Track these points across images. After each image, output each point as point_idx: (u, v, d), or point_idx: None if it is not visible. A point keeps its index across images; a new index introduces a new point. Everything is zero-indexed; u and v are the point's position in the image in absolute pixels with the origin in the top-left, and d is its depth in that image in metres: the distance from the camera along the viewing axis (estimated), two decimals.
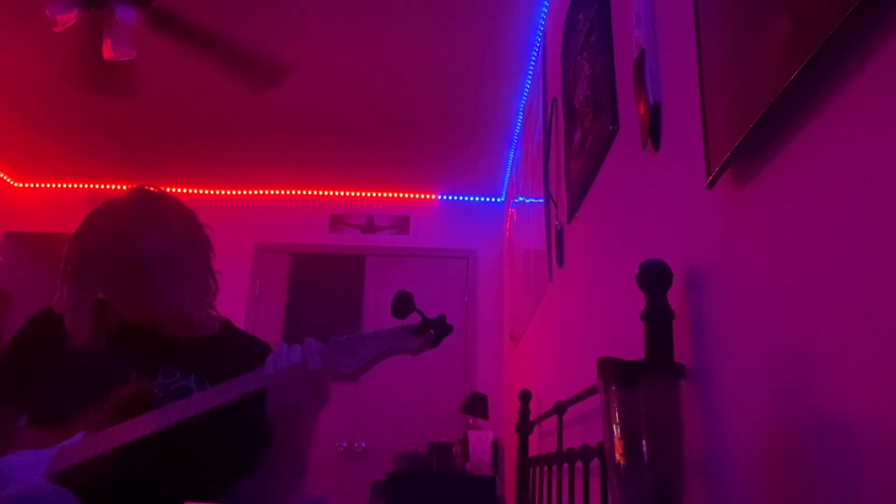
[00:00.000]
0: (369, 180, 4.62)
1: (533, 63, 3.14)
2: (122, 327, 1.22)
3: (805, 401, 0.76)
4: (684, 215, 1.16)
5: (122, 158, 4.33)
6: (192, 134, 4.02)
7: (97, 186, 4.66)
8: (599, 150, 1.73)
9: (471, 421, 3.79)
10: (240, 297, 4.44)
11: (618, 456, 0.95)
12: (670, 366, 1.03)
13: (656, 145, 1.32)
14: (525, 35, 3.01)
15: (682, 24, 1.18)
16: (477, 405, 3.62)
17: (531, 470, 2.38)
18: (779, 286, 0.83)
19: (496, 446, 3.50)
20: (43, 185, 4.79)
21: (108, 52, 2.56)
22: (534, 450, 2.53)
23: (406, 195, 4.76)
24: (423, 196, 4.76)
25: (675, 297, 1.09)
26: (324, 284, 4.57)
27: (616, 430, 0.96)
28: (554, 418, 2.01)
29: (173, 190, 4.45)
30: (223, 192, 4.76)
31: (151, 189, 1.31)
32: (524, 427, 2.54)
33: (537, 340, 2.89)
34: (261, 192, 4.78)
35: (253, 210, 4.73)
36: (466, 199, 4.76)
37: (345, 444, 4.16)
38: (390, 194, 4.75)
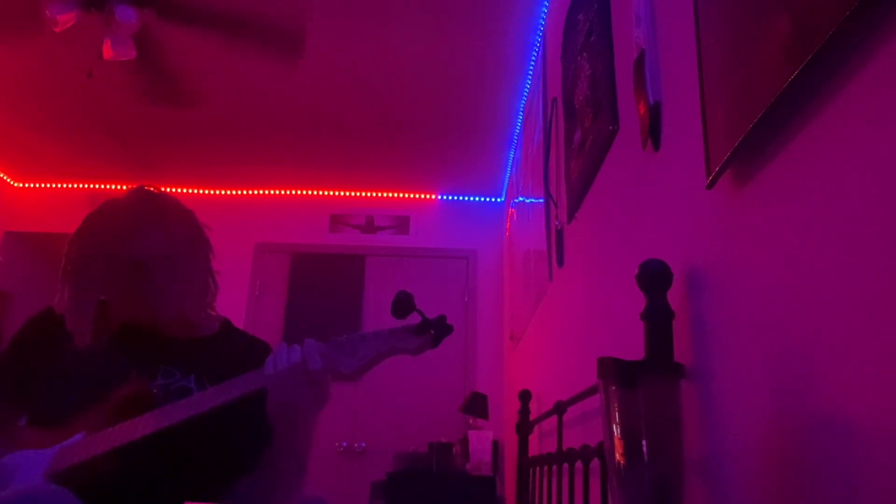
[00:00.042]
0: (369, 180, 4.62)
1: (533, 63, 3.14)
2: (122, 328, 1.22)
3: (805, 401, 0.76)
4: (684, 215, 1.16)
5: (122, 158, 4.33)
6: (192, 134, 4.02)
7: (97, 186, 4.66)
8: (599, 150, 1.73)
9: (471, 421, 3.79)
10: (240, 297, 4.44)
11: (618, 456, 0.95)
12: (670, 366, 1.03)
13: (656, 145, 1.32)
14: (525, 35, 3.01)
15: (682, 24, 1.18)
16: (477, 405, 3.62)
17: (531, 470, 2.38)
18: (779, 286, 0.83)
19: (496, 446, 3.50)
20: (43, 185, 4.79)
21: (108, 52, 2.56)
22: (534, 450, 2.53)
23: (406, 195, 4.76)
24: (423, 196, 4.76)
25: (675, 297, 1.09)
26: (324, 284, 4.57)
27: (616, 430, 0.96)
28: (554, 418, 2.01)
29: (173, 190, 4.46)
30: (223, 192, 4.76)
31: (151, 189, 1.31)
32: (524, 427, 2.54)
33: (537, 340, 2.89)
34: (261, 192, 4.78)
35: (253, 210, 4.73)
36: (466, 199, 4.76)
37: (345, 444, 4.16)
38: (390, 194, 4.76)
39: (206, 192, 4.73)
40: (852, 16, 0.64)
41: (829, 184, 0.73)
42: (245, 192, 4.78)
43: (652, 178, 1.35)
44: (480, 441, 3.39)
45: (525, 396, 2.57)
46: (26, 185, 4.79)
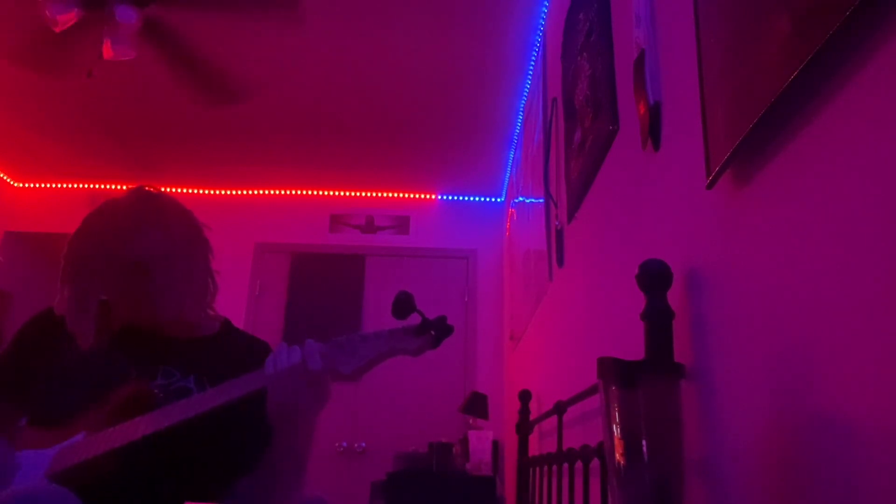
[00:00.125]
0: (369, 180, 4.62)
1: (533, 63, 3.14)
2: (123, 328, 1.22)
3: (805, 401, 0.76)
4: (684, 215, 1.16)
5: (122, 158, 4.33)
6: (192, 134, 4.02)
7: (97, 186, 4.66)
8: (599, 150, 1.73)
9: (471, 421, 3.79)
10: (240, 297, 4.44)
11: (618, 456, 0.95)
12: (670, 366, 1.03)
13: (656, 145, 1.32)
14: (525, 35, 3.01)
15: (682, 24, 1.18)
16: (477, 405, 3.62)
17: (531, 470, 2.38)
18: (779, 286, 0.83)
19: (496, 446, 3.50)
20: (43, 185, 4.79)
21: (108, 52, 2.56)
22: (534, 450, 2.53)
23: (406, 195, 4.76)
24: (423, 196, 4.76)
25: (675, 297, 1.09)
26: (324, 284, 4.57)
27: (616, 430, 0.96)
28: (554, 418, 2.01)
29: (173, 190, 4.47)
30: (223, 192, 4.76)
31: (150, 189, 1.31)
32: (524, 427, 2.54)
33: (537, 340, 2.89)
34: (261, 192, 4.78)
35: (253, 210, 4.73)
36: (466, 199, 4.76)
37: (345, 444, 4.16)
38: (390, 194, 4.76)
39: (206, 192, 4.73)
40: (852, 16, 0.64)
41: (829, 184, 0.73)
42: (245, 192, 4.78)
43: (652, 178, 1.35)
44: (480, 441, 3.39)
45: (525, 396, 2.57)
46: (26, 185, 4.79)
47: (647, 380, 0.98)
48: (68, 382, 1.20)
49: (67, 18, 2.51)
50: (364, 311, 4.48)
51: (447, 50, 3.13)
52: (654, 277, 1.07)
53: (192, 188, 4.69)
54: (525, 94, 3.41)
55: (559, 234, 2.32)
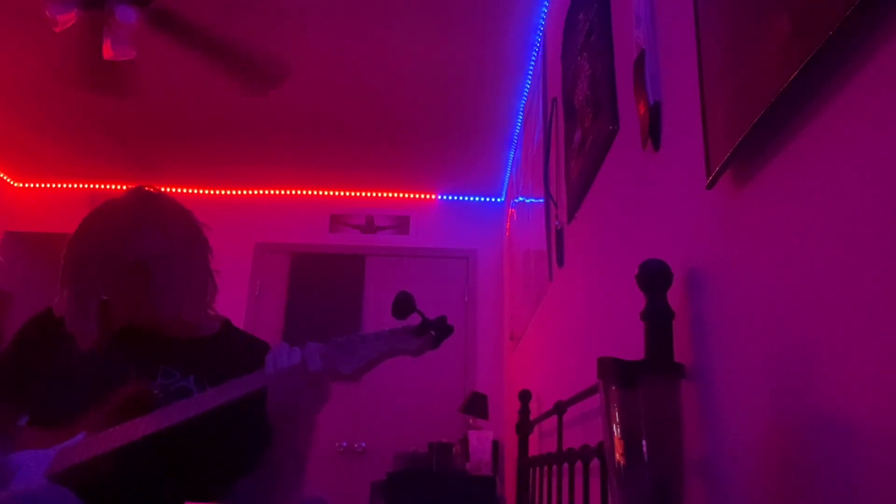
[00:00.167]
0: (369, 180, 4.62)
1: (533, 63, 3.14)
2: (122, 328, 1.22)
3: (805, 401, 0.76)
4: (684, 215, 1.16)
5: (122, 158, 4.33)
6: (192, 134, 4.02)
7: (97, 186, 4.66)
8: (599, 150, 1.73)
9: (471, 421, 3.79)
10: (240, 297, 4.44)
11: (618, 456, 0.95)
12: (670, 366, 1.03)
13: (656, 145, 1.32)
14: (525, 35, 3.01)
15: (682, 24, 1.18)
16: (477, 405, 3.62)
17: (531, 470, 2.38)
18: (779, 286, 0.83)
19: (496, 446, 3.50)
20: (43, 185, 4.79)
21: (108, 52, 2.56)
22: (534, 450, 2.53)
23: (406, 195, 4.76)
24: (423, 196, 4.76)
25: (675, 297, 1.09)
26: (324, 284, 4.57)
27: (616, 430, 0.96)
28: (554, 418, 2.01)
29: (173, 190, 4.47)
30: (223, 192, 4.76)
31: (150, 189, 1.31)
32: (524, 427, 2.54)
33: (537, 340, 2.89)
34: (261, 192, 4.79)
35: (253, 210, 4.73)
36: (466, 199, 4.76)
37: (345, 444, 4.16)
38: (390, 194, 4.76)
39: (206, 192, 4.73)
40: (852, 16, 0.64)
41: (829, 184, 0.73)
42: (245, 192, 4.78)
43: (652, 178, 1.35)
44: (480, 441, 3.39)
45: (525, 396, 2.57)
46: (26, 185, 4.79)
47: (647, 380, 0.98)
48: (68, 382, 1.20)
49: (67, 18, 2.50)
50: (364, 311, 4.48)
51: (447, 50, 3.13)
52: (654, 277, 1.07)
53: (192, 188, 4.69)
54: (525, 94, 3.41)
55: (559, 234, 2.32)
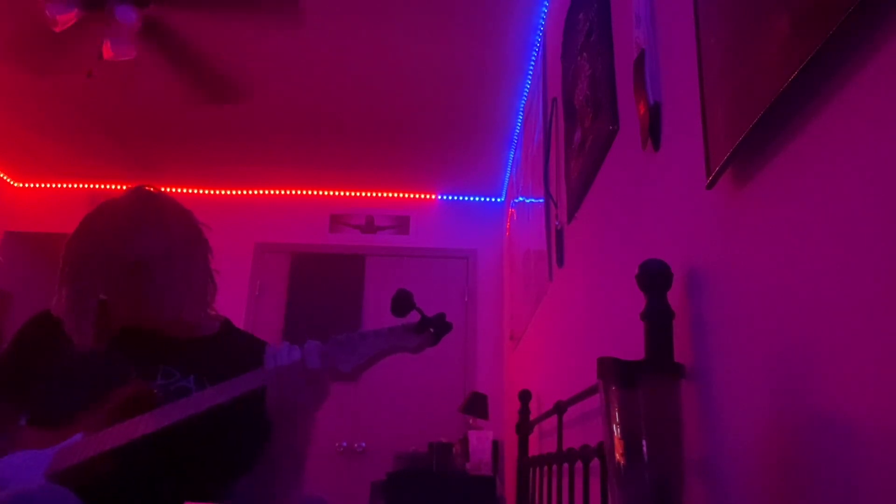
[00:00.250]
0: (369, 180, 4.62)
1: (533, 63, 3.14)
2: (122, 328, 1.22)
3: (805, 401, 0.76)
4: (684, 215, 1.16)
5: (122, 158, 4.33)
6: (192, 134, 4.02)
7: (97, 186, 4.66)
8: (599, 150, 1.73)
9: (471, 421, 3.79)
10: (240, 297, 4.44)
11: (618, 456, 0.95)
12: (670, 366, 1.03)
13: (656, 145, 1.32)
14: (525, 35, 3.01)
15: (682, 24, 1.18)
16: (477, 405, 3.62)
17: (531, 470, 2.38)
18: (778, 286, 0.83)
19: (496, 446, 3.50)
20: (43, 185, 4.79)
21: (108, 52, 2.56)
22: (534, 450, 2.53)
23: (406, 195, 4.76)
24: (423, 196, 4.76)
25: (675, 297, 1.09)
26: (324, 284, 4.57)
27: (616, 430, 0.96)
28: (554, 418, 2.01)
29: (173, 190, 4.47)
30: (223, 192, 4.76)
31: (149, 189, 1.31)
32: (524, 427, 2.54)
33: (537, 340, 2.89)
34: (261, 192, 4.79)
35: (253, 210, 4.73)
36: (466, 199, 4.76)
37: (345, 444, 4.16)
38: (390, 194, 4.76)
39: (206, 192, 4.73)
40: (852, 16, 0.64)
41: (829, 184, 0.73)
42: (245, 192, 4.78)
43: (652, 178, 1.35)
44: (480, 441, 3.39)
45: (525, 396, 2.57)
46: (26, 185, 4.79)
47: (647, 380, 0.98)
48: (68, 382, 1.20)
49: (67, 18, 2.51)
50: (364, 311, 4.48)
51: (447, 50, 3.13)
52: (654, 277, 1.07)
53: (192, 188, 4.69)
54: (525, 94, 3.41)
55: (559, 234, 2.32)
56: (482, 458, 3.33)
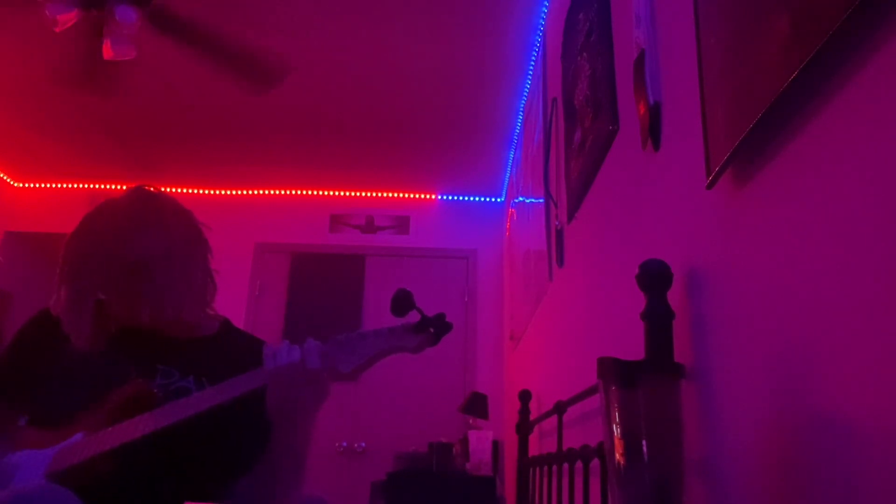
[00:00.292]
0: (369, 180, 4.62)
1: (533, 63, 3.14)
2: (121, 328, 1.22)
3: (805, 401, 0.76)
4: (684, 215, 1.16)
5: (122, 158, 4.33)
6: (192, 134, 4.02)
7: (97, 186, 4.66)
8: (599, 150, 1.73)
9: (471, 421, 3.79)
10: (240, 297, 4.44)
11: (618, 456, 0.95)
12: (670, 366, 1.03)
13: (656, 145, 1.32)
14: (525, 35, 3.01)
15: (682, 24, 1.18)
16: (477, 405, 3.62)
17: (531, 470, 2.38)
18: (778, 286, 0.83)
19: (496, 446, 3.50)
20: (43, 185, 4.79)
21: (108, 52, 2.56)
22: (534, 450, 2.53)
23: (406, 195, 4.76)
24: (423, 196, 4.76)
25: (675, 297, 1.09)
26: (324, 284, 4.57)
27: (616, 430, 0.96)
28: (554, 418, 2.01)
29: (173, 190, 4.47)
30: (223, 192, 4.76)
31: (149, 189, 1.31)
32: (524, 427, 2.54)
33: (537, 340, 2.89)
34: (261, 192, 4.78)
35: (253, 210, 4.73)
36: (466, 199, 4.76)
37: (345, 444, 4.16)
38: (390, 194, 4.76)
39: (206, 192, 4.73)
40: (852, 16, 0.64)
41: (829, 184, 0.73)
42: (245, 192, 4.78)
43: (652, 178, 1.35)
44: (480, 441, 3.39)
45: (525, 396, 2.57)
46: (26, 185, 4.79)
47: (647, 380, 0.98)
48: (68, 382, 1.20)
49: (67, 18, 2.51)
50: (364, 311, 4.48)
51: (447, 50, 3.13)
52: (654, 277, 1.07)
53: (192, 188, 4.69)
54: (525, 94, 3.41)
55: (559, 234, 2.32)
56: (482, 458, 3.33)
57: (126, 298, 1.20)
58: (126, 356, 1.20)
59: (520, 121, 3.64)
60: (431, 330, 1.14)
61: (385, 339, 1.13)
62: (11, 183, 4.77)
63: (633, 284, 1.10)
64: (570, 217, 2.10)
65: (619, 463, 0.95)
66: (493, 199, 4.73)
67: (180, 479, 1.15)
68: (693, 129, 1.07)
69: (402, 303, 1.11)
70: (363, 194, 4.76)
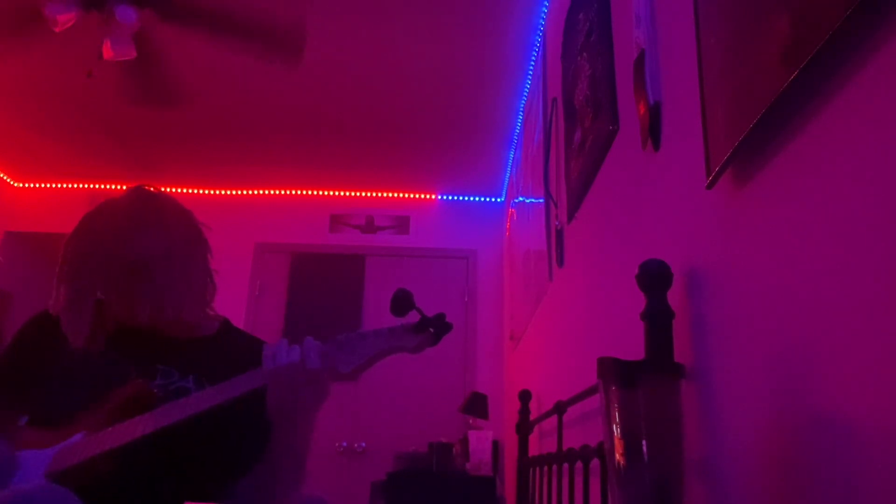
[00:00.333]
0: (369, 180, 4.62)
1: (533, 63, 3.14)
2: (121, 328, 1.22)
3: (805, 401, 0.76)
4: (684, 215, 1.16)
5: (122, 158, 4.33)
6: (192, 134, 4.02)
7: (97, 186, 4.66)
8: (599, 150, 1.73)
9: (471, 421, 3.79)
10: (240, 297, 4.44)
11: (618, 456, 0.95)
12: (670, 366, 1.03)
13: (656, 145, 1.32)
14: (525, 35, 3.01)
15: (682, 24, 1.18)
16: (477, 405, 3.62)
17: (531, 470, 2.38)
18: (778, 286, 0.83)
19: (496, 446, 3.50)
20: (43, 185, 4.79)
21: (108, 52, 2.56)
22: (534, 450, 2.53)
23: (406, 195, 4.76)
24: (423, 196, 4.76)
25: (675, 297, 1.09)
26: (324, 284, 4.57)
27: (616, 430, 0.96)
28: (554, 418, 2.01)
29: (173, 190, 4.47)
30: (223, 192, 4.76)
31: (149, 189, 1.31)
32: (524, 427, 2.54)
33: (537, 340, 2.89)
34: (261, 192, 4.79)
35: (253, 210, 4.73)
36: (466, 199, 4.76)
37: (345, 444, 4.16)
38: (390, 194, 4.76)
39: (206, 192, 4.73)
40: (852, 16, 0.64)
41: (829, 184, 0.73)
42: (245, 192, 4.78)
43: (652, 178, 1.35)
44: (480, 441, 3.39)
45: (525, 396, 2.57)
46: (26, 185, 4.79)
47: (647, 380, 0.98)
48: (68, 382, 1.20)
49: (67, 18, 2.50)
50: (364, 311, 4.48)
51: (447, 50, 3.13)
52: (654, 277, 1.07)
53: (192, 188, 4.69)
54: (525, 94, 3.41)
55: (559, 234, 2.32)
56: (482, 458, 3.33)
57: (126, 298, 1.20)
58: (126, 356, 1.20)
59: (520, 121, 3.64)
60: (431, 330, 1.14)
61: (385, 339, 1.13)
62: (11, 183, 4.77)
63: (633, 284, 1.10)
64: (570, 217, 2.10)
65: (619, 463, 0.95)
66: (493, 199, 4.73)
67: (180, 479, 1.15)
68: (693, 129, 1.07)
69: (402, 303, 1.11)
70: (363, 194, 4.76)
